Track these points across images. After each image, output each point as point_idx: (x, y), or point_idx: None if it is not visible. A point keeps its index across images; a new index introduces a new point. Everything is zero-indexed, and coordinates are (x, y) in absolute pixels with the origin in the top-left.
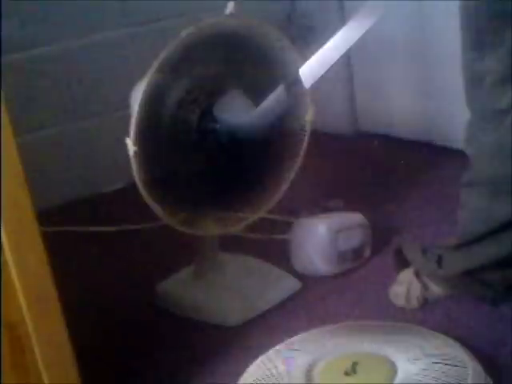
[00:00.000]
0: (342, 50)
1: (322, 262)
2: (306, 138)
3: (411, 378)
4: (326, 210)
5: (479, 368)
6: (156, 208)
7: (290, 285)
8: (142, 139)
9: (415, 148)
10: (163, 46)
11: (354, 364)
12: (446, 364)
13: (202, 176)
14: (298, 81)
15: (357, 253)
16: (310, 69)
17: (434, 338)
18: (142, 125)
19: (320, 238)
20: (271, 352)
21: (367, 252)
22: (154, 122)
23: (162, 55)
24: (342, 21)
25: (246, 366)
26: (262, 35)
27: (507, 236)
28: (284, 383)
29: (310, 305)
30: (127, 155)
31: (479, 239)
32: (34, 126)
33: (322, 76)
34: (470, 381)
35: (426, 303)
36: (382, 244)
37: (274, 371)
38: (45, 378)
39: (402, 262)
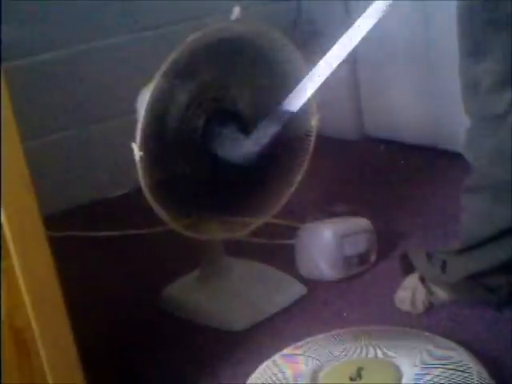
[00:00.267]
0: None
1: (327, 267)
2: (312, 144)
3: (416, 383)
4: (332, 215)
5: (484, 372)
6: (161, 213)
7: (296, 290)
8: (148, 144)
9: (421, 152)
10: (168, 51)
11: (359, 369)
12: (450, 369)
13: (208, 180)
14: (287, 110)
15: (362, 258)
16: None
17: (438, 342)
18: (148, 130)
19: (326, 243)
20: (277, 356)
21: (373, 257)
22: (160, 126)
23: (169, 60)
24: (348, 26)
25: (252, 369)
26: (268, 40)
27: (509, 241)
28: None
29: (315, 310)
30: (131, 160)
31: (481, 244)
32: (39, 132)
33: (327, 81)
34: None
35: (431, 308)
36: (388, 249)
37: (279, 376)
38: (50, 381)
39: (408, 267)
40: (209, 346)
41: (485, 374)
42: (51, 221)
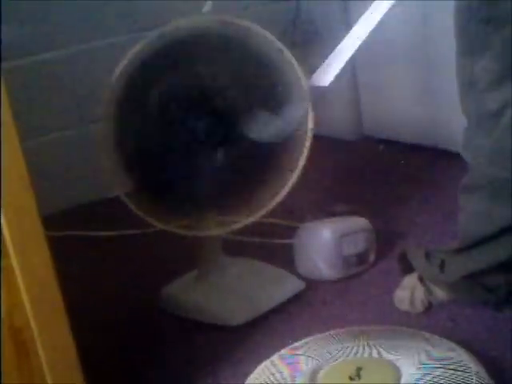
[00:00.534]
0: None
1: (326, 267)
2: (308, 142)
3: (415, 383)
4: (331, 214)
5: (483, 372)
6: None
7: (294, 284)
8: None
9: (420, 152)
10: None
11: (358, 369)
12: (450, 369)
13: (202, 178)
14: (308, 95)
15: (361, 257)
16: (327, 67)
17: (438, 342)
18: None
19: (324, 242)
20: (275, 356)
21: (371, 256)
22: (144, 124)
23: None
24: (347, 26)
25: (251, 369)
26: (237, 31)
27: (507, 240)
28: None
29: (314, 309)
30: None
31: (479, 243)
32: (38, 132)
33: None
34: None
35: (430, 308)
36: (387, 249)
37: (278, 376)
38: (49, 381)
39: (407, 267)
40: (208, 346)
41: (484, 374)
42: (51, 221)
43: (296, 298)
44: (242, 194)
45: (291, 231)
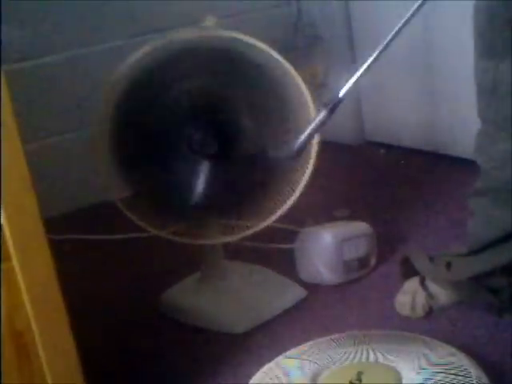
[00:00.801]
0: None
1: (327, 271)
2: (314, 154)
3: None
4: (332, 218)
5: (484, 377)
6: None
7: (296, 293)
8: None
9: (421, 157)
10: None
11: (359, 373)
12: (450, 374)
13: (206, 185)
14: (339, 100)
15: (362, 262)
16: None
17: (438, 347)
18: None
19: (325, 247)
20: (276, 360)
21: (372, 261)
22: (146, 128)
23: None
24: (349, 30)
25: (252, 373)
26: (241, 47)
27: None
28: None
29: (315, 313)
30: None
31: (490, 247)
32: (39, 134)
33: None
34: None
35: (430, 312)
36: (388, 253)
37: (279, 379)
38: (50, 383)
39: (408, 272)
40: (209, 349)
41: (485, 379)
42: (51, 224)
43: (297, 302)
44: (245, 200)
45: (292, 235)
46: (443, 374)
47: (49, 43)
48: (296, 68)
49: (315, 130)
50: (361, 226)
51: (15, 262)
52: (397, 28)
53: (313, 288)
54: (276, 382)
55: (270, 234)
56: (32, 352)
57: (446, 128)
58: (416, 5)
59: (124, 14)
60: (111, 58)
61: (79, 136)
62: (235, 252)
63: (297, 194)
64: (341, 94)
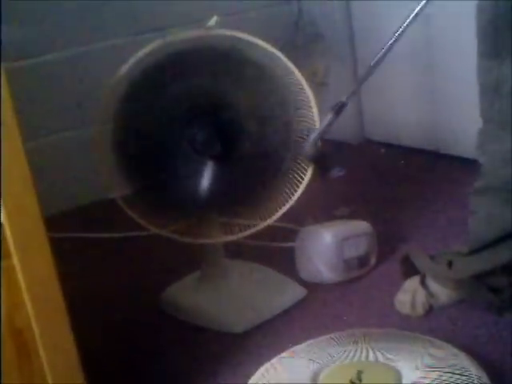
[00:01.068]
0: None
1: (327, 270)
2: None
3: None
4: (332, 217)
5: (484, 376)
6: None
7: (296, 292)
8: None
9: (421, 156)
10: None
11: (359, 372)
12: (450, 372)
13: (208, 184)
14: (344, 104)
15: (362, 261)
16: None
17: (438, 346)
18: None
19: (325, 245)
20: (276, 359)
21: (373, 260)
22: (147, 127)
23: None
24: (349, 29)
25: (252, 371)
26: (245, 47)
27: None
28: None
29: (315, 312)
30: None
31: (490, 246)
32: (39, 133)
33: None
34: None
35: (431, 311)
36: (388, 252)
37: (278, 378)
38: (50, 382)
39: (408, 270)
40: (209, 348)
41: (485, 378)
42: (51, 222)
43: (297, 301)
44: (247, 198)
45: (292, 234)
46: (443, 373)
47: (49, 41)
48: (297, 67)
49: (322, 133)
50: (361, 225)
51: (16, 261)
52: (397, 32)
53: (313, 287)
54: (276, 380)
55: (270, 232)
56: (32, 351)
57: (447, 127)
58: (417, 8)
59: (125, 13)
60: (112, 57)
61: (79, 134)
62: (235, 250)
63: (298, 193)
64: (345, 99)
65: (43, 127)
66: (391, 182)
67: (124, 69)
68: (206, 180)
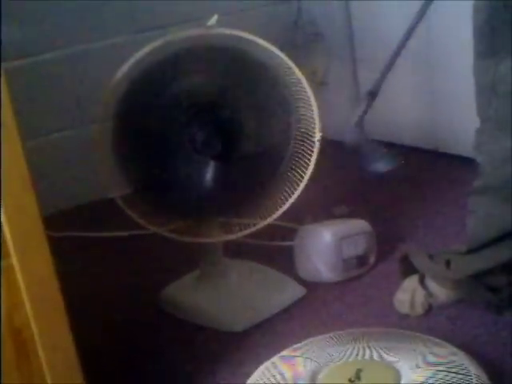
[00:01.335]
0: None
1: (326, 269)
2: (315, 155)
3: None
4: (331, 216)
5: (483, 375)
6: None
7: (295, 291)
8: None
9: (420, 155)
10: None
11: (358, 371)
12: (450, 372)
13: (207, 183)
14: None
15: (361, 260)
16: None
17: (438, 345)
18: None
19: (325, 244)
20: (275, 358)
21: (372, 259)
22: (147, 125)
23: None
24: (349, 28)
25: (251, 371)
26: (246, 45)
27: None
28: None
29: (314, 311)
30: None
31: (489, 245)
32: (39, 132)
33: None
34: None
35: (430, 310)
36: (387, 251)
37: (278, 377)
38: (49, 382)
39: (408, 270)
40: (208, 347)
41: (484, 377)
42: (50, 221)
43: (296, 300)
44: (246, 197)
45: (291, 233)
46: (443, 373)
47: (49, 40)
48: (296, 66)
49: (361, 120)
50: (360, 224)
51: (15, 260)
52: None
53: (312, 286)
54: (275, 379)
55: (269, 231)
56: (31, 350)
57: (446, 126)
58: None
59: (124, 11)
60: (111, 55)
61: (79, 133)
62: (235, 250)
63: (298, 192)
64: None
65: (42, 126)
66: (390, 180)
67: (124, 68)
68: (206, 179)
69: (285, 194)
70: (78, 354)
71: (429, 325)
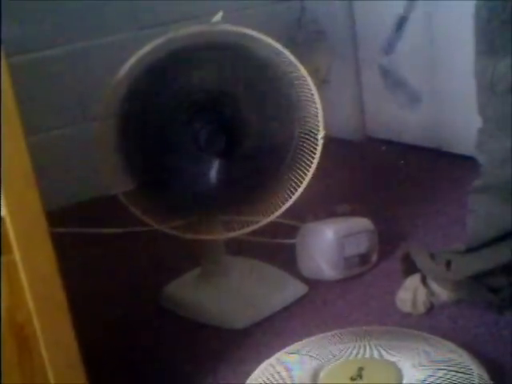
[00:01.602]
0: None
1: (328, 267)
2: (318, 153)
3: None
4: (333, 214)
5: (485, 375)
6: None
7: (297, 289)
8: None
9: (422, 154)
10: None
11: (360, 369)
12: (451, 370)
13: (210, 180)
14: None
15: (363, 258)
16: None
17: (439, 344)
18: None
19: (327, 242)
20: (277, 356)
21: (374, 257)
22: (149, 124)
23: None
24: (352, 26)
25: (252, 369)
26: (250, 42)
27: None
28: None
29: (316, 309)
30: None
31: (489, 244)
32: (40, 128)
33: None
34: None
35: (432, 309)
36: (389, 249)
37: (279, 375)
38: (51, 379)
39: (409, 268)
40: (209, 345)
41: (485, 376)
42: (51, 217)
43: (298, 298)
44: (249, 195)
45: (293, 231)
46: (444, 371)
47: (50, 37)
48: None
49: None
50: (362, 222)
51: (17, 257)
52: None
53: (314, 284)
54: (277, 377)
55: (271, 229)
56: (33, 347)
57: (448, 125)
58: None
59: (126, 8)
60: (113, 53)
61: (80, 130)
62: (236, 247)
63: (301, 190)
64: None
65: (44, 123)
66: (392, 179)
67: (126, 66)
68: (209, 177)
69: (287, 191)
70: (80, 351)
71: (430, 323)
